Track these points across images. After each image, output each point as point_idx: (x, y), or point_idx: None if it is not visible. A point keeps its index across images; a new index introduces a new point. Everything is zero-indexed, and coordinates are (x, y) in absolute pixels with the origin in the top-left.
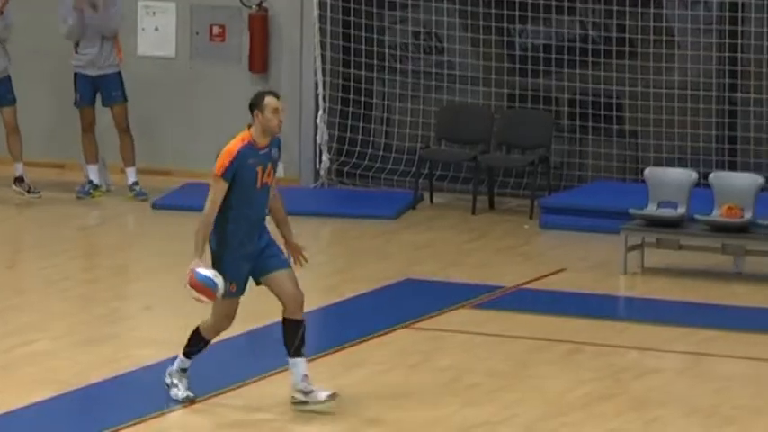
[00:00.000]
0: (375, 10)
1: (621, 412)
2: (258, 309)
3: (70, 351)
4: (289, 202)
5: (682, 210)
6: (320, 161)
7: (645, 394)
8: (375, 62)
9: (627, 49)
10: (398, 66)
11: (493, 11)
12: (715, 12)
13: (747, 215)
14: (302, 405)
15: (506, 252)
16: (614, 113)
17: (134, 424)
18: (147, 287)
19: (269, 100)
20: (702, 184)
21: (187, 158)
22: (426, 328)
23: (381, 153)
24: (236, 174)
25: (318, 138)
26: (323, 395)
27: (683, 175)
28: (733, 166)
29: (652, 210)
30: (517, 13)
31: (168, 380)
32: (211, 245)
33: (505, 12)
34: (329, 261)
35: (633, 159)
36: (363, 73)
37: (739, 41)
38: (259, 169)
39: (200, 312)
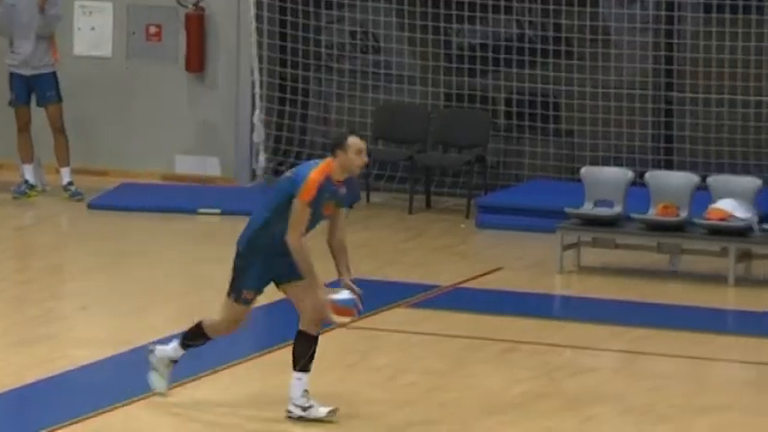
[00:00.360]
0: (312, 9)
1: (557, 411)
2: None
3: (4, 352)
4: (225, 201)
5: (618, 209)
6: (257, 160)
7: (580, 393)
8: (312, 61)
9: (563, 48)
10: (335, 65)
11: (430, 10)
12: (651, 11)
13: (683, 214)
14: (297, 420)
15: (443, 251)
16: (551, 113)
17: (71, 424)
18: (83, 287)
19: (353, 140)
20: (638, 183)
21: (123, 158)
22: (363, 327)
23: (318, 152)
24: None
25: (255, 137)
26: (323, 411)
27: (618, 174)
28: (669, 165)
29: (588, 209)
30: (454, 12)
31: (154, 360)
32: (241, 246)
33: (442, 11)
34: None
35: (569, 158)
36: (300, 72)
37: (675, 41)
38: (327, 203)
39: (137, 311)
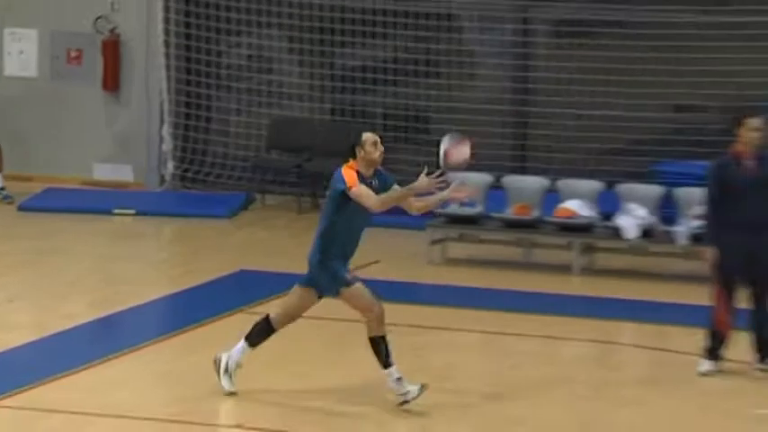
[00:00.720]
0: (214, 35)
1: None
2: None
3: None
4: (138, 203)
5: (480, 208)
6: (165, 168)
7: (446, 369)
8: (213, 81)
9: (432, 69)
10: (234, 84)
11: (316, 36)
12: (509, 36)
13: (535, 213)
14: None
15: None
16: (421, 125)
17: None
18: (10, 281)
19: (366, 136)
20: (497, 186)
21: (48, 166)
22: (259, 313)
23: (219, 160)
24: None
25: (164, 147)
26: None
27: (480, 179)
28: (523, 171)
29: (454, 208)
30: (338, 38)
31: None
32: (312, 254)
33: (327, 37)
34: (173, 256)
35: (438, 165)
36: (203, 91)
37: (529, 62)
38: None
39: (57, 302)
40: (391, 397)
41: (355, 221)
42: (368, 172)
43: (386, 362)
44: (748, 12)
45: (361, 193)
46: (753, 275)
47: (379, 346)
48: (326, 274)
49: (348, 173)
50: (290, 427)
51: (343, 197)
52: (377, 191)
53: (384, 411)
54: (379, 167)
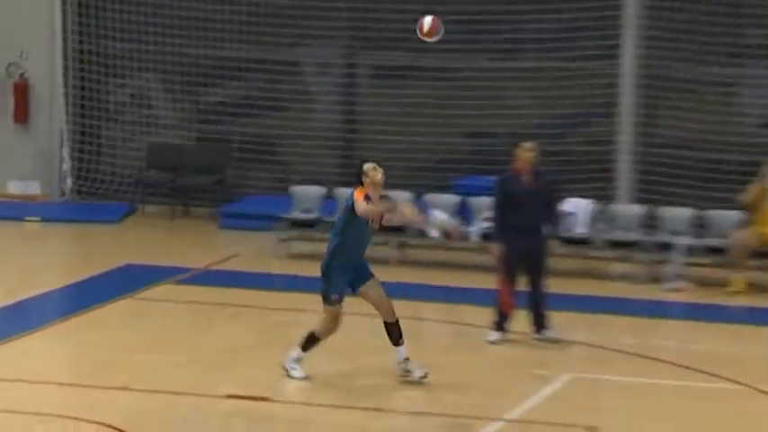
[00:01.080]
0: (104, 78)
1: (283, 353)
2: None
3: None
4: (43, 212)
5: (316, 214)
6: (65, 183)
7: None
8: (104, 114)
9: (279, 104)
10: (120, 117)
11: (185, 78)
12: (339, 78)
13: None
14: (407, 376)
15: (196, 245)
16: (270, 149)
17: None
18: None
19: (366, 166)
20: (329, 196)
21: None
22: (142, 299)
23: (108, 177)
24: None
25: (64, 167)
26: (418, 374)
27: (316, 190)
28: (351, 184)
29: (296, 214)
30: (202, 79)
31: (289, 365)
32: (323, 269)
33: (194, 78)
34: (71, 253)
35: (282, 180)
36: (95, 122)
37: (355, 99)
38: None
39: None
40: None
41: (360, 237)
42: (375, 193)
43: (304, 346)
44: (525, 59)
45: (360, 204)
46: (529, 266)
47: (312, 345)
48: (326, 281)
49: (357, 194)
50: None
51: (351, 212)
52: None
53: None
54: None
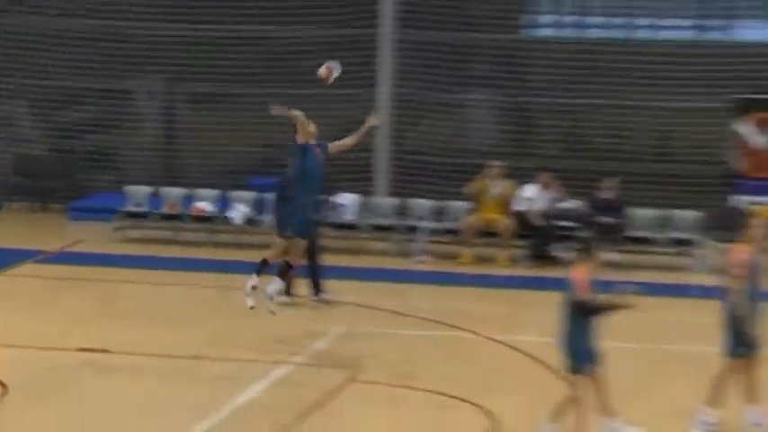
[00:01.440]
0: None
1: (120, 317)
2: None
3: None
4: None
5: (145, 208)
6: None
7: (134, 307)
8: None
9: (118, 122)
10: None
11: (43, 103)
12: (161, 103)
13: (180, 209)
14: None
15: (52, 233)
16: (105, 158)
17: None
18: None
19: (296, 113)
20: (155, 194)
21: None
22: (9, 275)
23: None
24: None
25: None
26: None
27: (145, 189)
28: (173, 184)
29: (130, 208)
30: (56, 104)
31: (271, 294)
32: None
33: (54, 103)
34: None
35: (118, 181)
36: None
37: (175, 117)
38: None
39: None
40: None
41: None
42: (313, 140)
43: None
44: (302, 86)
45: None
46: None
47: (287, 271)
48: (297, 217)
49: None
50: None
51: (301, 151)
52: (323, 149)
53: None
54: (321, 140)
